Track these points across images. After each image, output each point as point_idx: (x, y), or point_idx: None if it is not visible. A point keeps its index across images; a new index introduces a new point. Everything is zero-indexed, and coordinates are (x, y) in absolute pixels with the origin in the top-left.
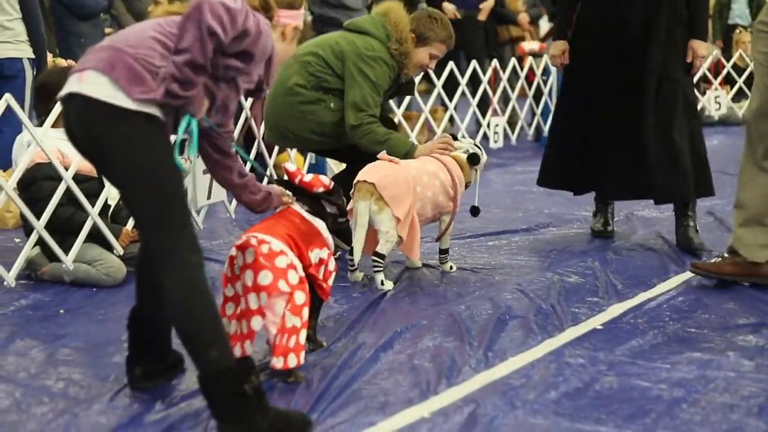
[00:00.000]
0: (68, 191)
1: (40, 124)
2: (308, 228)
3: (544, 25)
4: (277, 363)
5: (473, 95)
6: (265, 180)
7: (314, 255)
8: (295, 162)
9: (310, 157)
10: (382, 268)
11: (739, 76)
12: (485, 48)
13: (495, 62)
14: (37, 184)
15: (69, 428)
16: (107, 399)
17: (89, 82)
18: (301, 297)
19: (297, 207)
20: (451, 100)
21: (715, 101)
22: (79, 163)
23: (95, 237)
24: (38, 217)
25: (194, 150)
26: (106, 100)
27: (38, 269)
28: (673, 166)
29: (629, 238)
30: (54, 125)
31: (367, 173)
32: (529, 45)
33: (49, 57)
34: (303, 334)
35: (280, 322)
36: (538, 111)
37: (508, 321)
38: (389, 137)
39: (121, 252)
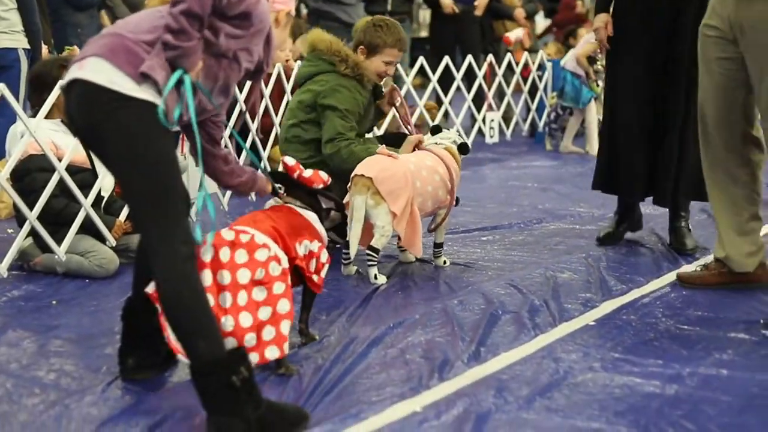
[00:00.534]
0: (61, 182)
1: (34, 115)
2: (298, 220)
3: (540, 20)
4: (253, 358)
5: (468, 90)
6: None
7: (302, 247)
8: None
9: None
10: (375, 262)
11: None
12: (481, 43)
13: (490, 57)
14: (30, 175)
15: (60, 419)
16: (99, 390)
17: (90, 69)
18: (279, 287)
19: (292, 203)
20: (446, 94)
21: None
22: (72, 154)
23: (88, 228)
24: (31, 208)
25: (192, 107)
26: (107, 85)
27: (30, 260)
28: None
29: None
30: (48, 116)
31: (364, 167)
32: (514, 34)
33: (44, 48)
34: (284, 325)
35: (253, 316)
36: (533, 106)
37: (500, 316)
38: (370, 151)
39: (114, 243)
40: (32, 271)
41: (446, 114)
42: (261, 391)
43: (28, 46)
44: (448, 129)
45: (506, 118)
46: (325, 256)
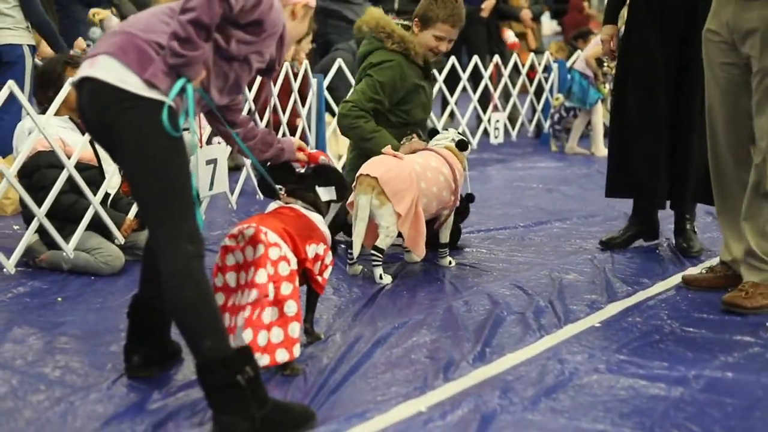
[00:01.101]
0: (70, 179)
1: (42, 112)
2: (305, 223)
3: (547, 21)
4: (262, 360)
5: (474, 91)
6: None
7: (311, 250)
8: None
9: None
10: (380, 262)
11: None
12: (487, 44)
13: (496, 58)
14: (40, 171)
15: (66, 416)
16: (104, 387)
17: (101, 67)
18: (287, 288)
19: (294, 204)
20: (452, 95)
21: None
22: (80, 151)
23: (94, 225)
24: (39, 204)
25: (192, 116)
26: (117, 84)
27: (36, 256)
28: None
29: None
30: (56, 113)
31: (370, 167)
32: (510, 37)
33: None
34: (292, 327)
35: (257, 318)
36: (539, 107)
37: (505, 317)
38: (375, 135)
39: (122, 241)
40: (38, 267)
41: (452, 114)
42: (267, 390)
43: (32, 42)
44: (455, 129)
45: (512, 119)
46: (329, 258)
